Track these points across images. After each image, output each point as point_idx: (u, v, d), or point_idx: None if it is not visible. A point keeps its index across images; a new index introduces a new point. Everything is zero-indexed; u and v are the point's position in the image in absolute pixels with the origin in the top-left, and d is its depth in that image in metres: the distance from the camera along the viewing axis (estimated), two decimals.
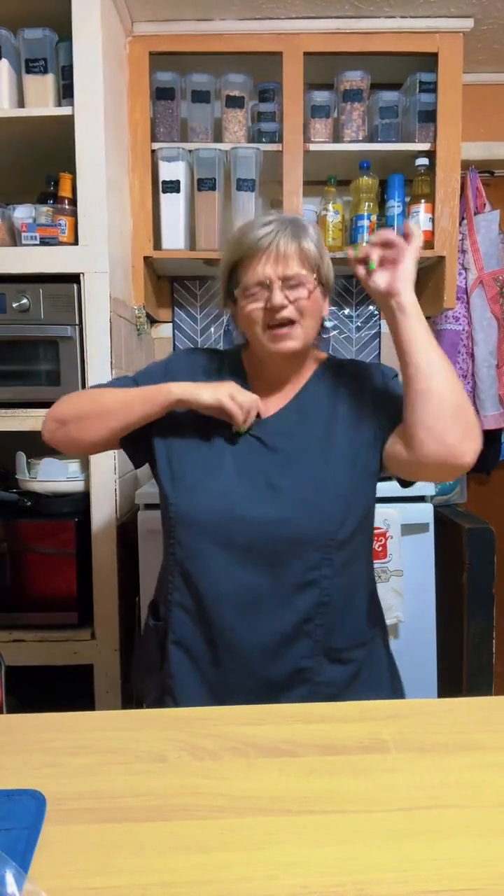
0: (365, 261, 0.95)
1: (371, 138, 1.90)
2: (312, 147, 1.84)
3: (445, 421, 0.90)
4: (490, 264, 2.09)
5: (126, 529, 1.67)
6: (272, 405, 1.04)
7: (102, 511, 1.58)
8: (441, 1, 1.71)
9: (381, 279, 0.94)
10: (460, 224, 2.05)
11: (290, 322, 0.96)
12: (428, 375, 0.91)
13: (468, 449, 0.91)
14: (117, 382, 1.10)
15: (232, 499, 0.96)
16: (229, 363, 1.09)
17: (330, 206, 1.91)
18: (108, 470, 1.57)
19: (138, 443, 1.05)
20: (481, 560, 1.65)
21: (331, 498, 0.96)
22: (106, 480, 1.57)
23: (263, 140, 1.85)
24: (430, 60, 1.82)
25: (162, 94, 1.83)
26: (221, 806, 0.61)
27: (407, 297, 0.93)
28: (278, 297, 0.94)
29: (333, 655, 0.98)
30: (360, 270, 0.96)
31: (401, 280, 0.92)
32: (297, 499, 0.95)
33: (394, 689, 1.08)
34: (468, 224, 2.09)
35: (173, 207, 1.81)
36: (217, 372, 1.07)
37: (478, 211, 2.10)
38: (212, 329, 2.21)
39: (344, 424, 1.01)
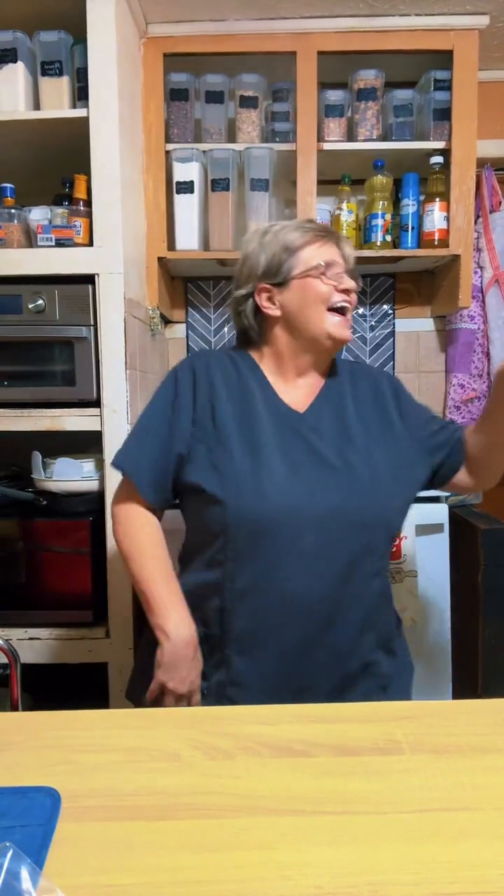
0: None
1: (385, 137, 1.89)
2: (326, 146, 1.84)
3: None
4: None
5: None
6: (300, 399, 1.02)
7: None
8: None
9: None
10: (476, 222, 2.04)
11: (345, 311, 1.01)
12: None
13: None
14: (155, 410, 1.04)
15: (295, 493, 0.92)
16: (244, 365, 1.05)
17: (344, 206, 1.91)
18: None
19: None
20: (497, 561, 1.64)
21: (389, 486, 0.97)
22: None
23: (277, 140, 1.85)
24: (444, 58, 1.80)
25: (176, 95, 1.84)
26: (234, 805, 0.61)
27: None
28: (351, 281, 1.00)
29: (387, 646, 0.99)
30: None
31: None
32: (364, 484, 0.94)
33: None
34: (483, 222, 2.07)
35: (187, 208, 1.82)
36: (236, 373, 1.04)
37: (493, 209, 2.08)
38: (225, 329, 2.21)
39: (375, 421, 1.03)
